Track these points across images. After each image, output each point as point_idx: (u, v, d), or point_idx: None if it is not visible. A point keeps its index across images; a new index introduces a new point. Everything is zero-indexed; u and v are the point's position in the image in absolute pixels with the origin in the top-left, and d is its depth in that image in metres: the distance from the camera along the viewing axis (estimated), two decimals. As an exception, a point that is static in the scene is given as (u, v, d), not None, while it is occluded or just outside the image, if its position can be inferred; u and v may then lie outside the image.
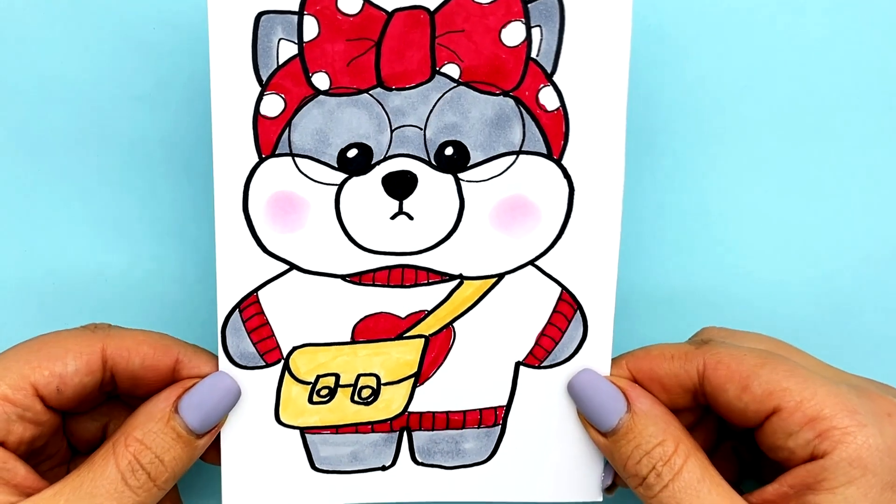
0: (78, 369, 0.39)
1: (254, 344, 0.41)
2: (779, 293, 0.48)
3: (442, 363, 0.42)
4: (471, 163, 0.39)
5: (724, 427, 0.44)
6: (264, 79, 0.38)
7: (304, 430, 0.42)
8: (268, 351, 0.41)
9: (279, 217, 0.39)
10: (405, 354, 0.41)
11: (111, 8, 0.45)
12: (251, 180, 0.39)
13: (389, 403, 0.42)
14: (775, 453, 0.38)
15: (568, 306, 0.41)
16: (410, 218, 0.40)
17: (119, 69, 0.46)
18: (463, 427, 0.42)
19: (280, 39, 0.38)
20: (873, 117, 0.47)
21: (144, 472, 0.38)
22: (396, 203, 0.40)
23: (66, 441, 0.43)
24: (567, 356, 0.42)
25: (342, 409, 0.42)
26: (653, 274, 0.48)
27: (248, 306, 0.40)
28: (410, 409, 0.42)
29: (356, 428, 0.42)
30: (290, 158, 0.39)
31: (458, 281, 0.41)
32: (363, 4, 0.38)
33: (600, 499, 0.43)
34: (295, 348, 0.41)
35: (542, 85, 0.39)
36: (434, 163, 0.39)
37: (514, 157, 0.39)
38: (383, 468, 0.43)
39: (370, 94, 0.39)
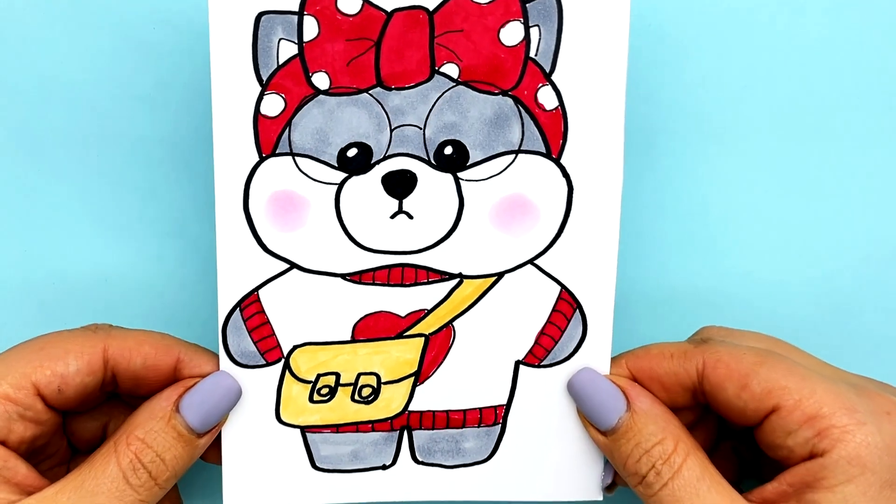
0: (79, 369, 0.39)
1: (254, 343, 0.41)
2: (779, 293, 0.48)
3: (442, 362, 0.42)
4: (470, 162, 0.39)
5: (724, 426, 0.44)
6: (264, 78, 0.38)
7: (304, 429, 0.42)
8: (268, 350, 0.41)
9: (279, 216, 0.40)
10: (405, 353, 0.41)
11: (111, 8, 0.45)
12: (251, 179, 0.39)
13: (390, 402, 0.42)
14: (774, 452, 0.38)
15: (567, 305, 0.41)
16: (410, 217, 0.40)
17: (119, 69, 0.46)
18: (463, 426, 0.42)
19: (280, 39, 0.38)
20: (873, 117, 0.47)
21: (146, 470, 0.38)
22: (396, 202, 0.40)
23: (66, 440, 0.43)
24: (567, 355, 0.42)
25: (343, 408, 0.42)
26: (652, 273, 0.48)
27: (249, 305, 0.40)
28: (411, 407, 0.42)
29: (357, 427, 0.42)
30: (290, 158, 0.39)
31: (457, 280, 0.41)
32: (363, 4, 0.38)
33: (600, 497, 0.43)
34: (295, 347, 0.41)
35: (540, 84, 0.39)
36: (433, 162, 0.39)
37: (513, 156, 0.39)
38: (384, 467, 0.43)
39: (370, 94, 0.39)
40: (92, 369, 0.40)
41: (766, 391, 0.37)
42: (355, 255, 0.40)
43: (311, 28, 0.38)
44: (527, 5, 0.38)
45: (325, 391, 0.42)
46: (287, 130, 0.39)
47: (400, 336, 0.41)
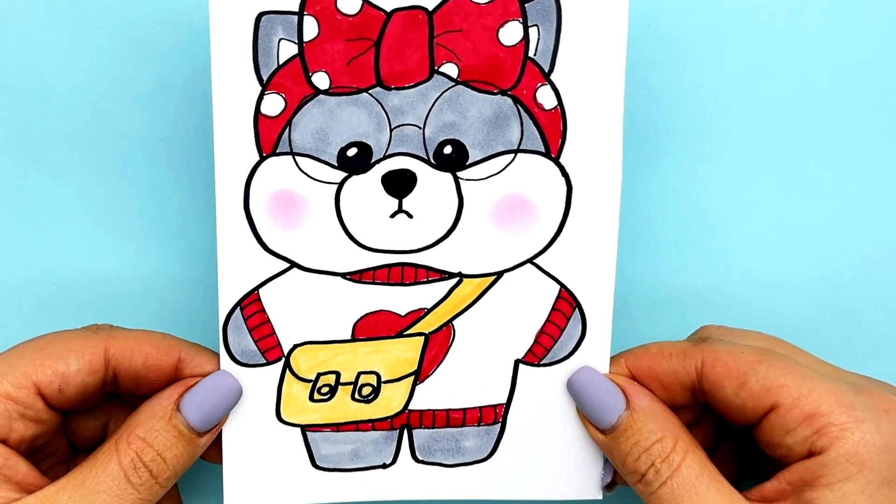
0: (80, 369, 0.39)
1: (255, 342, 0.41)
2: (779, 293, 0.48)
3: (442, 361, 0.42)
4: (469, 161, 0.39)
5: (724, 426, 0.44)
6: (265, 78, 0.39)
7: (305, 428, 0.42)
8: (269, 349, 0.41)
9: (280, 215, 0.40)
10: (405, 352, 0.41)
11: (111, 8, 0.45)
12: (252, 179, 0.39)
13: (390, 401, 0.42)
14: (773, 450, 0.38)
15: (567, 304, 0.41)
16: (410, 216, 0.40)
17: (119, 69, 0.46)
18: (463, 425, 0.43)
19: (280, 39, 0.38)
20: (873, 117, 0.47)
21: (146, 469, 0.38)
22: (396, 201, 0.40)
23: (66, 439, 0.43)
24: (566, 354, 0.42)
25: (343, 407, 0.42)
26: (652, 273, 0.48)
27: (250, 304, 0.40)
28: (411, 406, 0.42)
29: (357, 426, 0.42)
30: (290, 157, 0.39)
31: (457, 279, 0.41)
32: (362, 5, 0.38)
33: (600, 496, 0.43)
34: (296, 346, 0.41)
35: (539, 84, 0.39)
36: (433, 161, 0.39)
37: (513, 155, 0.40)
38: (384, 466, 0.43)
39: (370, 94, 0.39)
40: (93, 369, 0.40)
41: (765, 389, 0.37)
42: (355, 254, 0.40)
43: (311, 28, 0.38)
44: (525, 5, 0.38)
45: (325, 390, 0.42)
46: (287, 130, 0.39)
47: (400, 335, 0.41)
